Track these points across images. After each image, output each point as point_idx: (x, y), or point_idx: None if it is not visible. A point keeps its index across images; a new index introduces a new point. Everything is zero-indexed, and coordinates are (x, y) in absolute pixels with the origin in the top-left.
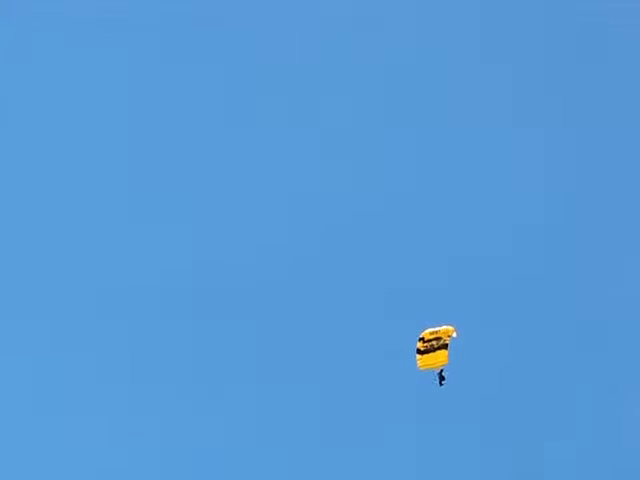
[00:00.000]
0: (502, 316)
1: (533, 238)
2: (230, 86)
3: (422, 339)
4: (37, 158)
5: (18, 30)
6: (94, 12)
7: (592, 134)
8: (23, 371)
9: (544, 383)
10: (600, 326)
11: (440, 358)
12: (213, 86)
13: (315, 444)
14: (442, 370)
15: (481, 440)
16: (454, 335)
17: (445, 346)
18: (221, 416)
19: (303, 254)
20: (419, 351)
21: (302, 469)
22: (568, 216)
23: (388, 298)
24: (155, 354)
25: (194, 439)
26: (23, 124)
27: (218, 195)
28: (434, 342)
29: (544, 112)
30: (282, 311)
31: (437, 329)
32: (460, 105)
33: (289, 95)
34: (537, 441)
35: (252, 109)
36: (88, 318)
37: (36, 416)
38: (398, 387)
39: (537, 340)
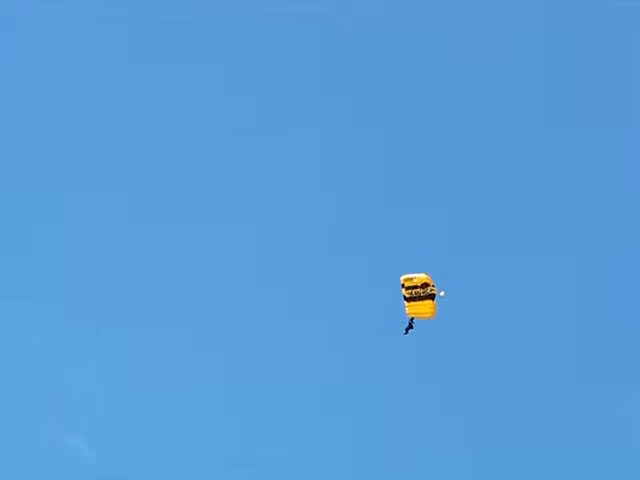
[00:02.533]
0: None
1: None
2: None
3: (403, 285)
4: (36, 158)
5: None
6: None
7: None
8: None
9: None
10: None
11: (425, 308)
12: None
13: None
14: (412, 319)
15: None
16: (441, 294)
17: (432, 297)
18: None
19: None
20: (405, 298)
21: None
22: None
23: None
24: None
25: None
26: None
27: None
28: (419, 290)
29: None
30: None
31: (412, 276)
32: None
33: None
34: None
35: None
36: None
37: None
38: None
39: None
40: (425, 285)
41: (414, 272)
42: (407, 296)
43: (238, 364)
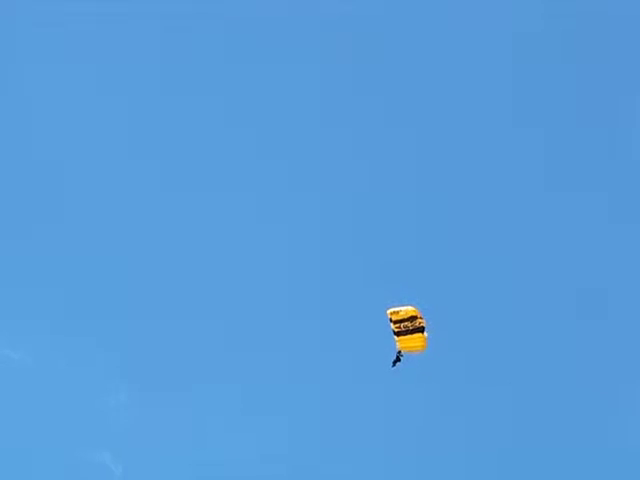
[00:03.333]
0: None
1: None
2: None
3: (390, 320)
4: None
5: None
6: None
7: None
8: None
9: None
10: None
11: (416, 342)
12: None
13: None
14: (400, 352)
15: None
16: (422, 323)
17: (421, 329)
18: None
19: None
20: (394, 332)
21: None
22: None
23: None
24: None
25: None
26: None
27: None
28: (407, 324)
29: None
30: None
31: (398, 309)
32: None
33: None
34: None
35: None
36: None
37: None
38: None
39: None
40: (413, 318)
41: (400, 305)
42: (396, 330)
43: (266, 373)
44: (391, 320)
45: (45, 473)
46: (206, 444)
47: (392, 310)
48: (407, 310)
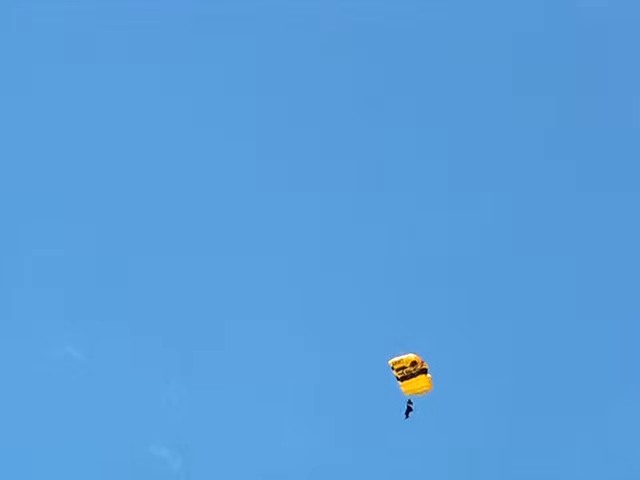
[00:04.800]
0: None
1: None
2: None
3: (392, 368)
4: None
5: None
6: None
7: None
8: None
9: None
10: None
11: (421, 383)
12: None
13: None
14: (410, 401)
15: None
16: (423, 365)
17: (424, 371)
18: None
19: None
20: (398, 379)
21: None
22: None
23: None
24: None
25: None
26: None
27: None
28: (410, 369)
29: None
30: None
31: (400, 358)
32: None
33: None
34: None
35: None
36: None
37: None
38: None
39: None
40: (414, 363)
41: (402, 353)
42: (399, 376)
43: (328, 366)
44: (393, 368)
45: (105, 468)
46: (266, 439)
47: (393, 360)
48: (408, 357)
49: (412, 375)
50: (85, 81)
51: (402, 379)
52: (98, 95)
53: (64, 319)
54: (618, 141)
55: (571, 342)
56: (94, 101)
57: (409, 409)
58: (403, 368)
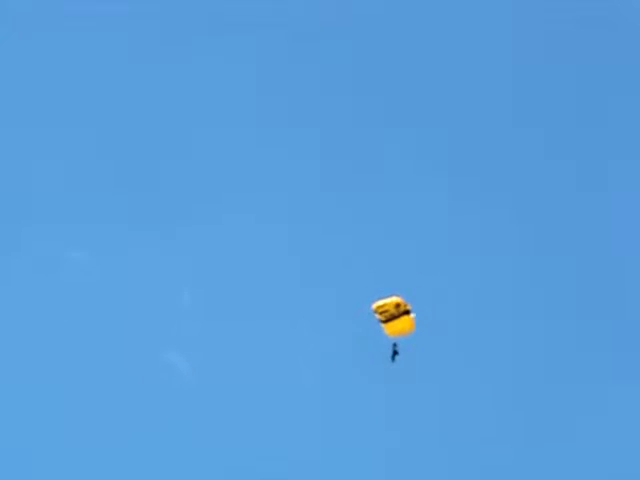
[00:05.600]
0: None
1: None
2: None
3: (375, 312)
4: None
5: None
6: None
7: None
8: None
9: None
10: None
11: (404, 324)
12: None
13: None
14: (395, 344)
15: None
16: (407, 307)
17: (407, 312)
18: None
19: None
20: (381, 322)
21: None
22: None
23: None
24: None
25: None
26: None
27: None
28: (393, 311)
29: None
30: None
31: (383, 302)
32: None
33: None
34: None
35: None
36: None
37: None
38: None
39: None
40: (397, 305)
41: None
42: (382, 319)
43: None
44: (376, 312)
45: (114, 373)
46: (282, 344)
47: (377, 304)
48: (391, 300)
49: (394, 317)
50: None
51: (386, 321)
52: None
53: (69, 222)
54: (619, 140)
55: (571, 341)
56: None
57: (395, 352)
58: (386, 311)
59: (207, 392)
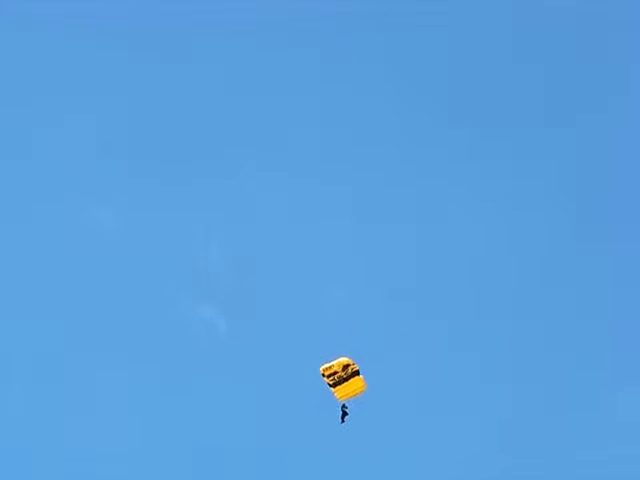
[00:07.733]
0: None
1: None
2: None
3: (324, 375)
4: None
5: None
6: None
7: None
8: None
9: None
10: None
11: (354, 386)
12: None
13: None
14: (344, 405)
15: None
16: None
17: (356, 373)
18: None
19: None
20: (330, 385)
21: None
22: None
23: None
24: None
25: None
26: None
27: None
28: (341, 373)
29: None
30: None
31: (330, 364)
32: None
33: None
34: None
35: None
36: None
37: None
38: None
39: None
40: (346, 366)
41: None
42: (331, 383)
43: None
44: (324, 375)
45: (147, 329)
46: (312, 294)
47: (324, 367)
48: (339, 362)
49: (344, 379)
50: None
51: (334, 385)
52: None
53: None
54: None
55: (570, 342)
56: None
57: (344, 413)
58: (335, 373)
59: (241, 345)
